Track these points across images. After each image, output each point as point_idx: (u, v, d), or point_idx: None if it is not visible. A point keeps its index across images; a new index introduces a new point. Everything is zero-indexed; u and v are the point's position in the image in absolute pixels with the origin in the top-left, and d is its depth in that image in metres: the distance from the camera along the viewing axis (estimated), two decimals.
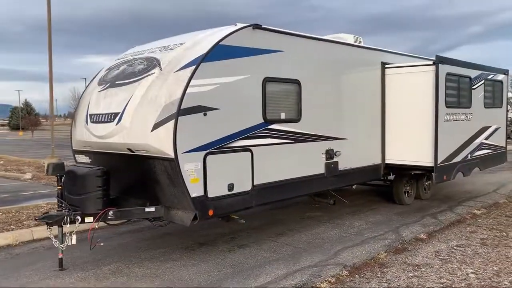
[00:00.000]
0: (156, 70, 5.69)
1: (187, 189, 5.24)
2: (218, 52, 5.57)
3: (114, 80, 6.25)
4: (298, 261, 5.86)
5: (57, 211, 5.66)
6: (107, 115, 5.93)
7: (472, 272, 5.54)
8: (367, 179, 8.68)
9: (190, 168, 5.27)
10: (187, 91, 5.21)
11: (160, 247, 6.54)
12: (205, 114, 5.41)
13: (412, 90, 8.25)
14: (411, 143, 8.33)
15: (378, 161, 8.66)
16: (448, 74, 8.29)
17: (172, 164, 5.16)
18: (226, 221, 6.36)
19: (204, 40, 5.74)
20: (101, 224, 6.57)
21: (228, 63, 5.71)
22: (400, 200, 9.37)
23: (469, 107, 9.18)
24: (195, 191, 5.34)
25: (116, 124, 5.71)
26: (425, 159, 8.14)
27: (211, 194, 5.52)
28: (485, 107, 9.96)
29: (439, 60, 7.95)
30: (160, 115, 5.26)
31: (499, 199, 10.21)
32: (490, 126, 10.24)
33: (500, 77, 10.75)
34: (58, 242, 5.43)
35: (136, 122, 5.52)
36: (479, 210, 9.03)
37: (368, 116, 8.40)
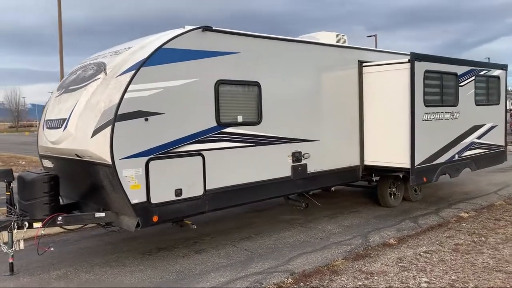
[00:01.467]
0: (101, 75, 5.68)
1: (126, 196, 5.20)
2: (161, 56, 5.50)
3: (68, 85, 6.29)
4: (247, 267, 5.73)
5: (6, 216, 5.74)
6: (57, 121, 5.98)
7: (426, 281, 5.28)
8: (343, 181, 8.43)
9: (129, 174, 5.22)
10: (125, 96, 5.16)
11: (119, 251, 6.55)
12: (146, 119, 5.35)
13: (388, 89, 7.95)
14: (388, 144, 8.03)
15: (356, 162, 8.39)
16: (427, 71, 7.92)
17: (111, 171, 5.14)
18: (180, 226, 6.29)
19: (150, 44, 5.69)
20: (74, 226, 6.66)
21: (174, 66, 5.63)
22: (385, 202, 9.07)
23: (455, 105, 8.76)
24: (136, 197, 5.29)
25: (63, 130, 5.74)
26: (402, 161, 7.83)
27: (155, 200, 5.46)
28: (477, 105, 9.49)
29: (415, 57, 7.61)
30: (99, 121, 5.24)
31: (496, 201, 9.74)
32: (484, 125, 9.75)
33: (497, 72, 10.22)
34: (6, 248, 5.50)
35: (80, 128, 5.52)
36: (468, 212, 8.63)
37: (344, 117, 8.14)
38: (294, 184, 7.25)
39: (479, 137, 9.56)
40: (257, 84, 6.62)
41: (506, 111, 10.65)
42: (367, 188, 10.05)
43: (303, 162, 7.34)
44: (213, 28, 6.05)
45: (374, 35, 42.99)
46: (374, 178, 8.96)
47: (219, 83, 6.10)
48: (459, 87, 8.83)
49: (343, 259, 6.03)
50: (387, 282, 5.25)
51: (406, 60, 7.65)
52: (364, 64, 8.31)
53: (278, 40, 6.95)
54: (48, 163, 6.86)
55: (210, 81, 6.02)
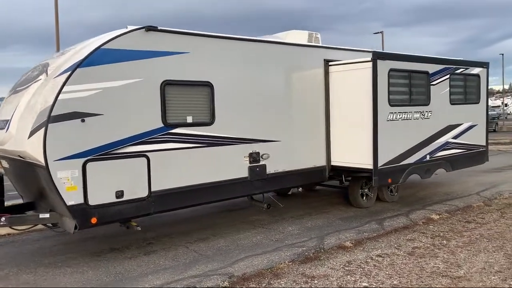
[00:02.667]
0: (43, 76, 5.67)
1: (61, 197, 5.18)
2: (100, 56, 5.46)
3: (17, 86, 6.31)
4: (188, 269, 5.67)
5: None
6: (2, 122, 5.99)
7: (365, 286, 5.16)
8: (308, 182, 8.32)
9: (64, 176, 5.20)
10: (59, 98, 5.14)
11: (72, 251, 6.54)
12: (83, 121, 5.32)
13: (352, 88, 7.80)
14: (353, 145, 7.88)
15: (322, 163, 8.26)
16: (392, 70, 7.75)
17: (46, 172, 5.12)
18: (126, 228, 6.26)
19: (90, 44, 5.65)
20: (39, 226, 6.68)
21: (114, 67, 5.58)
22: (356, 203, 8.92)
23: (426, 105, 8.56)
24: (72, 199, 5.27)
25: (6, 131, 5.75)
26: (365, 161, 7.68)
27: (93, 201, 5.43)
28: (452, 104, 9.26)
29: (378, 56, 7.44)
30: (35, 122, 5.23)
31: (475, 202, 9.52)
32: (461, 124, 9.52)
33: (476, 70, 9.97)
34: None
35: (20, 129, 5.52)
36: (440, 214, 8.45)
37: (309, 117, 8.01)
38: (252, 185, 7.16)
39: (455, 137, 9.34)
40: (209, 85, 6.54)
41: (488, 110, 10.37)
42: (337, 188, 9.93)
43: (261, 163, 7.25)
44: (159, 28, 5.99)
45: (380, 32, 42.51)
46: (344, 179, 8.82)
47: (166, 83, 6.04)
48: (431, 86, 8.62)
49: (289, 262, 5.94)
50: (326, 286, 5.14)
51: (369, 59, 7.48)
52: (330, 63, 8.16)
53: (232, 40, 6.86)
54: (5, 164, 6.89)
55: (155, 81, 5.96)
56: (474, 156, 10.02)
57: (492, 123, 32.52)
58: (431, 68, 8.60)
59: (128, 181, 5.74)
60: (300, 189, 8.71)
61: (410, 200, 9.79)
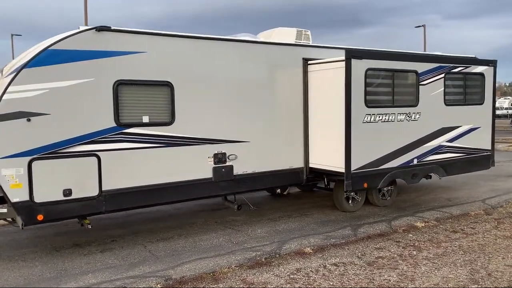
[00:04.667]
0: (0, 76, 5.86)
1: (6, 195, 5.35)
2: (48, 57, 5.56)
3: None
4: (131, 270, 5.69)
5: None
6: None
7: None
8: (283, 184, 8.12)
9: (9, 174, 5.36)
10: (4, 97, 5.29)
11: (37, 245, 6.75)
12: (29, 120, 5.45)
13: (327, 88, 7.50)
14: (327, 147, 7.60)
15: (298, 164, 8.03)
16: (370, 69, 7.37)
17: None
18: (81, 225, 6.37)
19: (41, 45, 5.76)
20: None
21: (63, 67, 5.67)
22: (341, 206, 8.61)
23: (414, 106, 8.09)
24: (17, 196, 5.43)
25: None
26: (338, 164, 7.38)
27: (39, 199, 5.57)
28: (448, 105, 8.69)
29: (352, 55, 7.10)
30: None
31: (474, 210, 8.94)
32: (458, 127, 8.93)
33: (480, 69, 9.29)
34: None
35: None
36: (426, 222, 8.00)
37: (284, 117, 7.80)
38: (216, 186, 7.08)
39: (450, 140, 8.77)
40: (168, 84, 6.50)
41: (494, 111, 9.66)
42: (323, 190, 9.66)
43: (228, 163, 7.15)
44: (112, 28, 6.02)
45: (422, 26, 40.92)
46: (326, 181, 8.54)
47: (119, 83, 6.07)
48: (420, 86, 8.13)
49: (236, 267, 5.82)
50: None
51: (342, 58, 7.16)
52: (309, 62, 7.89)
53: (195, 39, 6.77)
54: None
55: (107, 81, 6.00)
56: (477, 161, 9.37)
57: None
58: (421, 67, 8.10)
59: (76, 180, 5.83)
60: (279, 191, 8.50)
61: (404, 205, 9.33)
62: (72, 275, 5.53)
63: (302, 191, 10.84)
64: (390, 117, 7.72)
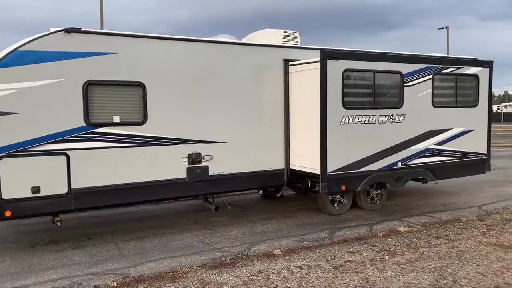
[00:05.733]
0: None
1: None
2: (17, 58, 5.72)
3: None
4: (93, 267, 5.77)
5: None
6: None
7: None
8: (263, 185, 8.09)
9: None
10: None
11: (17, 241, 6.92)
12: None
13: (305, 89, 7.43)
14: (306, 148, 7.52)
15: (279, 166, 7.98)
16: (348, 70, 7.26)
17: None
18: (52, 222, 6.51)
19: (14, 46, 5.94)
20: None
21: (32, 68, 5.82)
22: (326, 209, 8.49)
23: (397, 108, 7.91)
24: None
25: None
26: (314, 166, 7.29)
27: (7, 196, 5.73)
28: (436, 107, 8.46)
29: (328, 56, 7.01)
30: None
31: (467, 216, 8.67)
32: (449, 129, 8.67)
33: (473, 70, 9.00)
34: None
35: None
36: (411, 227, 7.81)
37: (264, 118, 7.77)
38: (191, 186, 7.11)
39: (440, 143, 8.53)
40: (140, 85, 6.59)
41: (490, 114, 9.33)
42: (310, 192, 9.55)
43: (203, 164, 7.17)
44: (82, 29, 6.15)
45: (446, 27, 40.15)
46: (309, 184, 8.43)
47: (89, 83, 6.19)
48: (405, 87, 7.94)
49: (198, 266, 5.83)
50: None
51: (318, 59, 7.08)
52: (290, 63, 7.84)
53: (167, 40, 6.84)
54: None
55: (77, 81, 6.12)
56: (470, 164, 9.08)
57: None
58: (406, 68, 7.92)
59: (45, 178, 5.97)
60: (260, 192, 8.46)
61: (394, 210, 9.13)
62: (35, 271, 5.65)
63: (297, 194, 10.76)
64: (371, 119, 7.57)
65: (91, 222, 8.07)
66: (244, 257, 6.25)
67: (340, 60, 7.11)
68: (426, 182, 9.78)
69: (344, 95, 7.24)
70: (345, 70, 7.21)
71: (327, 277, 5.53)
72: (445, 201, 10.01)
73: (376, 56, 7.68)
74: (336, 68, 7.08)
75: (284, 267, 5.88)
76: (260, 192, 8.62)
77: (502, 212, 9.07)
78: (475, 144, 9.10)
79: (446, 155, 8.64)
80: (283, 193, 10.40)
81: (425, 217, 8.55)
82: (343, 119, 7.27)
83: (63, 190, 6.10)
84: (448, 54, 38.95)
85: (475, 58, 9.98)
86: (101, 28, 24.34)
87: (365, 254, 6.42)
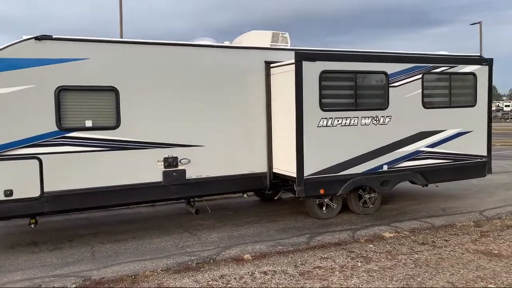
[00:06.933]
0: None
1: None
2: None
3: None
4: (60, 268, 5.88)
5: None
6: None
7: None
8: (244, 189, 7.99)
9: None
10: None
11: (1, 242, 7.18)
12: None
13: (284, 91, 7.31)
14: (285, 151, 7.40)
15: (261, 169, 7.89)
16: (326, 72, 7.09)
17: None
18: (28, 224, 6.69)
19: None
20: None
21: (3, 75, 6.00)
22: (313, 213, 8.33)
23: (382, 109, 7.65)
24: None
25: None
26: (292, 169, 7.16)
27: None
28: (427, 108, 8.13)
29: (304, 57, 6.87)
30: None
31: (463, 221, 8.29)
32: (443, 131, 8.32)
33: (470, 68, 8.60)
34: None
35: None
36: (397, 233, 7.55)
37: (244, 121, 7.70)
38: (167, 189, 7.14)
39: (432, 146, 8.20)
40: (113, 89, 6.67)
41: (491, 114, 8.88)
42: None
43: (180, 167, 7.19)
44: (53, 36, 6.29)
45: (478, 23, 38.80)
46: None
47: (61, 89, 6.32)
48: (390, 88, 7.68)
49: (162, 270, 5.84)
50: None
51: (293, 61, 6.95)
52: (271, 65, 7.74)
53: (140, 45, 6.89)
54: None
55: (49, 87, 6.27)
56: (468, 167, 8.67)
57: None
58: (391, 67, 7.65)
59: (18, 181, 6.14)
60: (245, 195, 8.40)
61: (387, 214, 8.84)
62: (4, 272, 5.81)
63: (295, 197, 10.61)
64: (352, 121, 7.36)
65: (78, 224, 8.25)
66: (211, 261, 6.20)
67: (317, 61, 6.96)
68: (427, 186, 9.45)
69: (322, 97, 7.07)
70: (323, 72, 7.04)
71: (289, 284, 5.41)
72: (446, 205, 9.61)
73: (357, 56, 7.45)
74: (312, 69, 6.94)
75: (248, 272, 5.80)
76: (245, 195, 8.54)
77: (504, 218, 8.62)
78: (473, 146, 8.69)
79: (440, 157, 8.29)
80: (281, 196, 10.30)
81: (417, 222, 8.24)
82: (321, 122, 7.10)
83: (36, 193, 6.25)
84: (481, 51, 37.64)
85: (479, 56, 9.54)
86: (121, 36, 24.94)
87: (338, 260, 6.25)
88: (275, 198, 10.13)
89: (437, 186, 10.26)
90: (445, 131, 8.32)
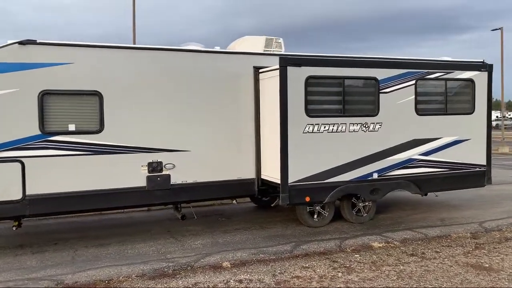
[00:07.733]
0: None
1: None
2: None
3: None
4: (37, 272, 5.90)
5: None
6: None
7: None
8: (231, 195, 7.90)
9: None
10: None
11: None
12: None
13: (270, 97, 7.22)
14: (271, 158, 7.29)
15: (250, 175, 7.80)
16: (312, 77, 6.97)
17: None
18: (12, 226, 6.75)
19: None
20: None
21: None
22: (304, 221, 8.18)
23: (372, 115, 7.48)
24: None
25: None
26: (276, 176, 7.05)
27: None
28: (420, 114, 7.91)
29: (289, 63, 6.77)
30: None
31: (460, 233, 8.01)
32: (438, 138, 8.07)
33: (468, 74, 8.33)
34: None
35: None
36: (387, 243, 7.33)
37: (231, 127, 7.63)
38: (150, 194, 7.11)
39: (426, 154, 7.96)
40: (97, 93, 6.70)
41: (490, 121, 8.58)
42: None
43: (164, 172, 7.16)
44: (37, 41, 6.36)
45: (499, 28, 38.01)
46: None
47: (44, 93, 6.38)
48: (381, 94, 7.50)
49: (136, 276, 5.80)
50: None
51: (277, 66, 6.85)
52: (260, 71, 7.67)
53: (123, 49, 6.91)
54: None
55: (32, 91, 6.33)
56: (465, 177, 8.39)
57: None
58: (382, 73, 7.48)
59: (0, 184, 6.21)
60: (235, 201, 8.32)
61: (382, 223, 8.62)
62: None
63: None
64: (340, 127, 7.21)
65: (68, 227, 8.29)
66: (189, 268, 6.13)
67: (302, 67, 6.85)
68: (426, 195, 9.19)
69: (308, 103, 6.96)
70: (309, 77, 6.93)
71: None
72: (446, 216, 9.33)
73: (346, 61, 7.30)
74: (298, 75, 6.83)
75: (223, 280, 5.70)
76: (234, 201, 8.45)
77: (504, 230, 8.31)
78: (472, 154, 8.40)
79: (434, 166, 8.04)
80: (278, 202, 10.18)
81: (411, 233, 8.00)
82: (307, 128, 6.98)
83: (18, 196, 6.30)
84: (502, 58, 36.76)
85: (482, 62, 9.25)
86: (134, 42, 25.26)
87: (318, 270, 6.09)
88: (272, 205, 10.00)
89: (436, 196, 9.97)
90: (440, 139, 8.07)
